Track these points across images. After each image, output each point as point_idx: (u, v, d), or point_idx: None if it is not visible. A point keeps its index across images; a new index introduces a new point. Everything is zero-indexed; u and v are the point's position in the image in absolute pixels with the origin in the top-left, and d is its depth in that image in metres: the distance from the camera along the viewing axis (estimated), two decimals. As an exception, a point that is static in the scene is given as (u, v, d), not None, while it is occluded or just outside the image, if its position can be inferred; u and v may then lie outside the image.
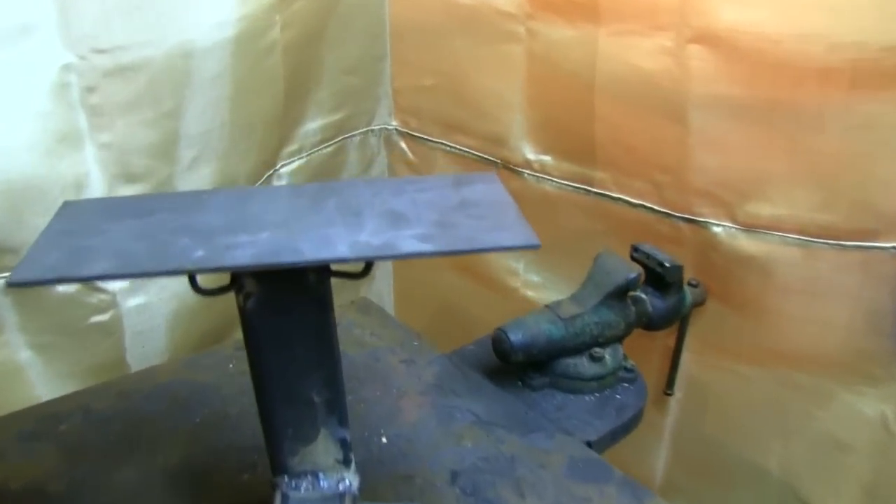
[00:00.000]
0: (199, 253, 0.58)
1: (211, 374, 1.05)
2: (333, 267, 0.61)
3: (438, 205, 0.66)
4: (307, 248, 0.58)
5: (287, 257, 0.57)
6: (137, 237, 0.61)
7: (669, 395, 1.31)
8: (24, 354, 1.08)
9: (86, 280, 0.55)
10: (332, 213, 0.64)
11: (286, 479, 0.72)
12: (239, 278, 0.62)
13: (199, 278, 0.60)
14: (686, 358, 1.28)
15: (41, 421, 0.96)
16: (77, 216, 0.66)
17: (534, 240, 0.60)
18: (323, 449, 0.71)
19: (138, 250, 0.58)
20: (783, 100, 1.02)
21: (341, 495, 0.72)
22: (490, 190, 0.70)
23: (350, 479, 0.73)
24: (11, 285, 0.56)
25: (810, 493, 1.19)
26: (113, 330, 1.14)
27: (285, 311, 0.63)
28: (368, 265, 0.61)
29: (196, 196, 0.69)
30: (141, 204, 0.68)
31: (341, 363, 0.68)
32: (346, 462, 0.73)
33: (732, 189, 1.10)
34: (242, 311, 0.63)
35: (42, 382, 1.09)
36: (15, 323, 1.05)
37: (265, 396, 0.67)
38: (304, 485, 0.72)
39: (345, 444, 0.72)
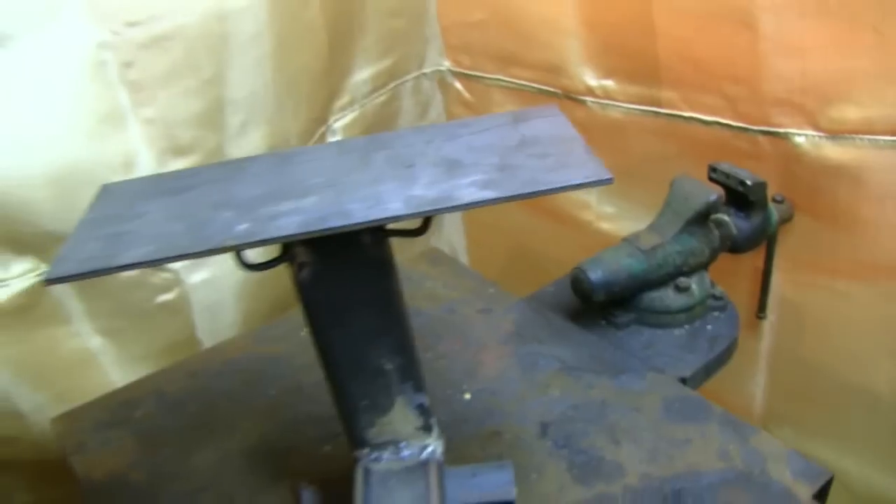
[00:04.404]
0: (243, 226, 0.53)
1: (282, 345, 1.03)
2: (389, 226, 0.56)
3: (497, 146, 0.60)
4: (357, 210, 0.53)
5: (336, 221, 0.52)
6: (176, 217, 0.57)
7: (762, 318, 1.24)
8: (95, 341, 1.07)
9: (123, 269, 0.51)
10: (381, 167, 0.59)
11: (366, 451, 0.68)
12: (290, 249, 0.57)
13: (249, 253, 0.56)
14: (777, 278, 1.20)
15: (116, 409, 0.95)
16: (114, 200, 0.62)
17: (604, 174, 0.54)
18: (401, 417, 0.67)
19: (177, 231, 0.54)
20: (866, -13, 0.92)
21: (424, 463, 0.68)
22: (552, 124, 0.63)
23: (433, 446, 0.69)
24: (48, 283, 0.53)
25: (930, 413, 1.11)
26: (180, 308, 1.12)
27: (343, 278, 0.59)
28: (426, 221, 0.56)
29: (236, 165, 0.64)
30: (179, 179, 0.64)
31: (410, 325, 0.63)
32: (426, 428, 0.68)
33: (814, 94, 1.00)
34: (297, 283, 0.59)
35: (115, 367, 1.09)
36: (82, 311, 1.04)
37: (333, 370, 0.63)
38: (386, 456, 0.68)
39: (423, 411, 0.67)
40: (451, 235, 1.65)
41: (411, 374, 0.64)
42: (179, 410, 0.93)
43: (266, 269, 0.57)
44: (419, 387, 0.66)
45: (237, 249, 0.52)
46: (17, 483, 1.07)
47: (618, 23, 1.15)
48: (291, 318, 1.08)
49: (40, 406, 1.02)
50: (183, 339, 1.13)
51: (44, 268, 0.98)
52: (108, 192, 0.64)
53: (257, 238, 0.51)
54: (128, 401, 0.96)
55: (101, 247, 0.54)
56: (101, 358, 1.07)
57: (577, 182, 0.53)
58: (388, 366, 0.63)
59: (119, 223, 0.57)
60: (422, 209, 0.52)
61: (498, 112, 0.77)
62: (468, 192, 0.53)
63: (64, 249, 0.55)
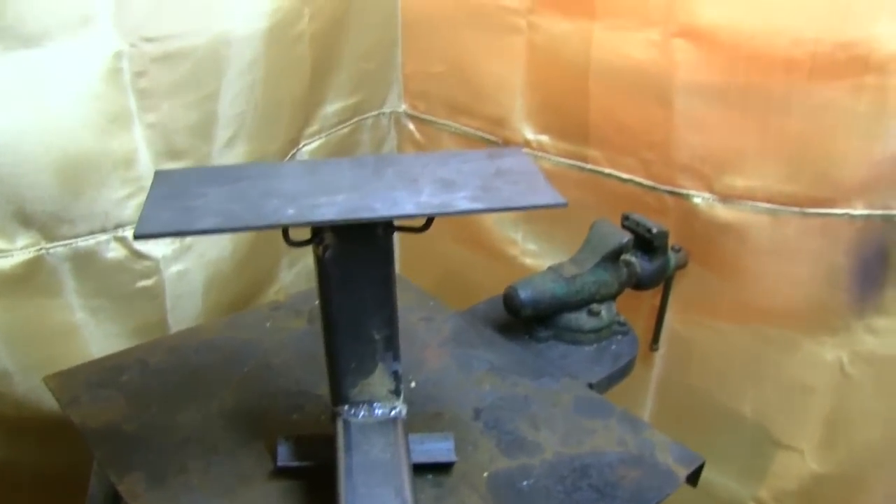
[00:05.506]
0: (291, 211, 0.70)
1: (251, 332, 1.17)
2: (397, 223, 0.74)
3: (479, 173, 0.79)
4: (380, 207, 0.71)
5: (365, 213, 0.69)
6: (233, 199, 0.73)
7: (655, 350, 1.46)
8: (79, 316, 1.19)
9: (200, 233, 0.66)
10: (392, 179, 0.77)
11: (346, 408, 0.85)
12: (319, 232, 0.74)
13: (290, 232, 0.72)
14: (670, 317, 1.42)
15: (103, 373, 1.07)
16: (173, 183, 0.77)
17: (561, 199, 0.74)
18: (379, 381, 0.84)
19: (237, 209, 0.71)
20: (755, 86, 1.17)
21: (394, 420, 0.85)
22: (519, 161, 0.83)
23: (400, 407, 0.86)
24: (138, 237, 0.68)
25: (779, 431, 1.35)
26: (156, 294, 1.25)
27: (357, 260, 0.76)
28: (429, 221, 0.74)
29: (270, 167, 0.81)
30: (225, 173, 0.80)
31: (397, 306, 0.81)
32: (397, 392, 0.86)
33: (711, 164, 1.24)
34: (320, 261, 0.75)
35: (94, 341, 1.21)
36: (72, 287, 1.16)
37: (334, 335, 0.80)
38: (362, 412, 0.85)
39: (397, 377, 0.85)
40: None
41: (393, 344, 0.82)
42: (162, 378, 1.07)
43: (302, 246, 0.74)
44: (397, 356, 0.83)
45: (289, 227, 0.69)
46: (-5, 438, 1.18)
47: (558, 88, 1.37)
48: (257, 312, 1.23)
49: (26, 368, 1.13)
50: (155, 321, 1.26)
51: (44, 244, 1.11)
52: (164, 177, 0.79)
53: (305, 220, 0.68)
54: (114, 367, 1.08)
55: (176, 215, 0.70)
56: (83, 331, 1.19)
57: (543, 203, 0.73)
58: (377, 336, 0.80)
59: (185, 200, 0.73)
60: (429, 211, 0.70)
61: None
62: (463, 202, 0.72)
63: (143, 215, 0.70)
